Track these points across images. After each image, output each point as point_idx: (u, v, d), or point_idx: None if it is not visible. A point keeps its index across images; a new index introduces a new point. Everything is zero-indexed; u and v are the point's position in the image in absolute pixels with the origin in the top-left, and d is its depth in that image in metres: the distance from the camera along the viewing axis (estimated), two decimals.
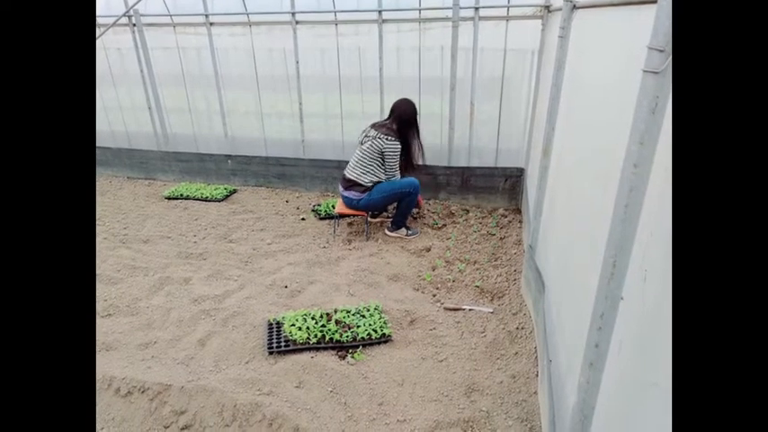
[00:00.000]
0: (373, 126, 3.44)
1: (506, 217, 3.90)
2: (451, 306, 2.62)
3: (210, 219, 3.98)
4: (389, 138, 3.33)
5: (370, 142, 3.37)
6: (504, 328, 2.44)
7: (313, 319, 2.41)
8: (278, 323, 2.43)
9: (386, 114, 4.15)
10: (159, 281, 2.99)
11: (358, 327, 2.35)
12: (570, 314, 1.72)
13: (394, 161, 3.39)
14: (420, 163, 3.64)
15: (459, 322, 2.52)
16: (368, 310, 2.49)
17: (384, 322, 2.40)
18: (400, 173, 3.49)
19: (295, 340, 2.27)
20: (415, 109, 3.44)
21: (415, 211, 3.82)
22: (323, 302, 2.71)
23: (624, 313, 1.06)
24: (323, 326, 2.35)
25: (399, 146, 3.36)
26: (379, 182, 3.42)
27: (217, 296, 2.82)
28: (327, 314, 2.46)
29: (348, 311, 2.49)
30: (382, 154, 3.35)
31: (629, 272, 1.01)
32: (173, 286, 2.94)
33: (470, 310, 2.60)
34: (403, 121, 3.40)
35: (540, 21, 3.52)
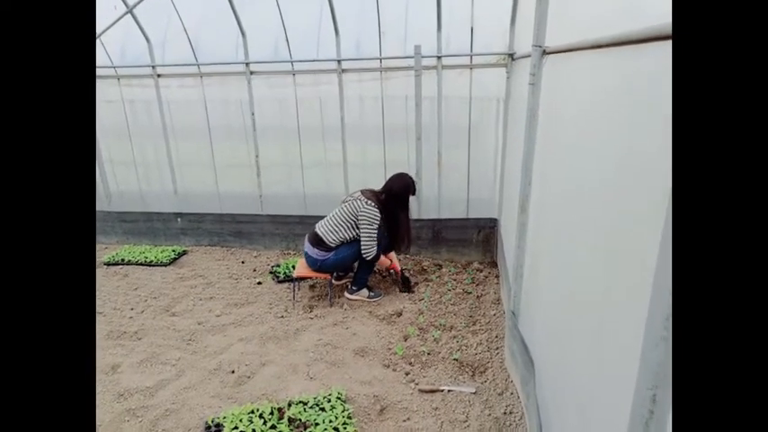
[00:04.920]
0: (362, 190, 3.16)
1: (482, 271, 3.62)
2: (427, 388, 2.25)
3: (153, 287, 3.51)
4: (369, 203, 3.02)
5: (350, 202, 3.08)
6: (490, 414, 2.08)
7: (261, 417, 1.98)
8: (217, 425, 1.98)
9: (350, 164, 3.94)
10: None
11: (316, 425, 1.94)
12: (572, 412, 1.40)
13: (370, 230, 3.01)
14: (404, 249, 3.33)
15: (437, 408, 2.14)
16: (328, 401, 2.08)
17: (348, 416, 2.00)
18: (379, 249, 3.11)
19: None
20: (408, 185, 3.13)
21: (386, 270, 3.48)
22: (276, 390, 2.28)
23: None
24: (272, 427, 1.93)
25: (378, 215, 3.02)
26: (344, 241, 3.09)
27: (148, 388, 2.35)
28: (279, 409, 2.04)
29: (305, 404, 2.08)
30: (356, 218, 3.03)
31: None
32: (96, 377, 2.45)
33: (449, 391, 2.24)
34: (392, 194, 3.10)
35: (504, 69, 3.43)
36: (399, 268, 3.37)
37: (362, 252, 3.06)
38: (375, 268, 3.36)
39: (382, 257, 3.24)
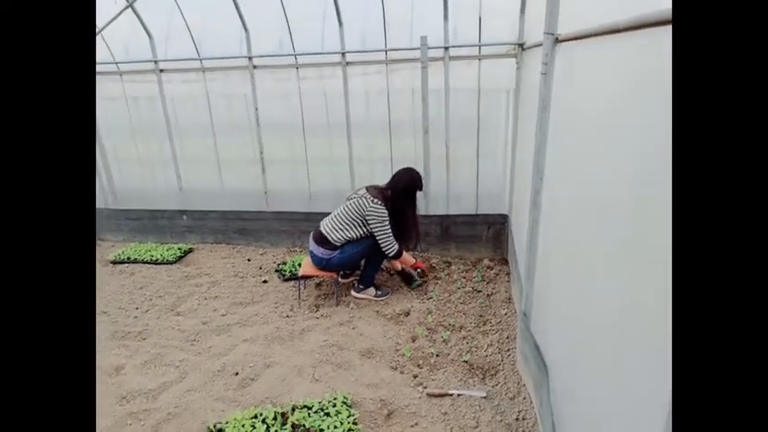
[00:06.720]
0: (367, 186, 3.08)
1: (492, 269, 3.52)
2: (436, 392, 2.18)
3: (158, 286, 3.48)
4: (376, 201, 2.94)
5: (355, 200, 3.00)
6: (501, 420, 2.00)
7: (264, 422, 1.93)
8: (219, 431, 1.93)
9: (355, 159, 3.85)
10: None
11: (320, 431, 1.88)
12: (587, 420, 1.32)
13: (382, 228, 2.96)
14: (412, 246, 3.31)
15: (446, 414, 2.06)
16: (333, 406, 2.02)
17: (353, 422, 1.93)
18: (398, 243, 3.06)
19: None
20: (415, 180, 3.06)
21: (417, 274, 3.34)
22: (280, 393, 2.22)
23: None
24: None
25: (385, 212, 2.96)
26: (350, 240, 3.02)
27: (151, 391, 2.31)
28: (283, 414, 1.99)
29: (309, 408, 2.02)
30: (363, 217, 2.96)
31: None
32: (98, 378, 2.41)
33: (459, 395, 2.16)
34: (398, 190, 3.03)
35: (514, 59, 3.31)
36: (412, 262, 3.29)
37: (384, 251, 3.03)
38: (394, 266, 3.30)
39: (407, 256, 3.18)
